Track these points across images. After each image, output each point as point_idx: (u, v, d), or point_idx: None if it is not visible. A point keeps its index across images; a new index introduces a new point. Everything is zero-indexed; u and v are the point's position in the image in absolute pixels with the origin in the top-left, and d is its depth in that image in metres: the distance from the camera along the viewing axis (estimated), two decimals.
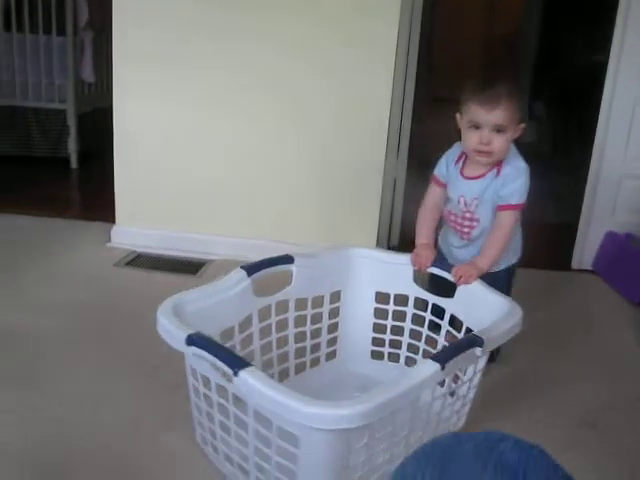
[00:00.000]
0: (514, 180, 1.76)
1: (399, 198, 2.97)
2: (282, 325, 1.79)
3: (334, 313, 1.90)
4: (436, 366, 1.32)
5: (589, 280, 2.81)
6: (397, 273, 1.85)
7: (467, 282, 1.69)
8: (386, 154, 2.67)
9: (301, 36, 2.55)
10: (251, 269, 1.69)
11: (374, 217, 2.74)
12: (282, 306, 1.78)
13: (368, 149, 2.66)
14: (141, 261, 2.71)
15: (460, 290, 1.72)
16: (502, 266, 1.87)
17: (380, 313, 1.89)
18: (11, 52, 3.81)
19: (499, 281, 1.81)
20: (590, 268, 2.87)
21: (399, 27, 2.52)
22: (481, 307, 1.65)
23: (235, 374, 1.24)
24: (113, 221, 2.83)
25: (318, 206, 2.74)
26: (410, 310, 1.83)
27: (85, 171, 4.00)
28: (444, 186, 1.90)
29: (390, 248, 2.91)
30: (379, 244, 2.78)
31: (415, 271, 1.83)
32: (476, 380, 1.61)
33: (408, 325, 1.85)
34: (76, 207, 3.54)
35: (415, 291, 1.82)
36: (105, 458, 1.53)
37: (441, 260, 1.86)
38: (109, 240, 2.83)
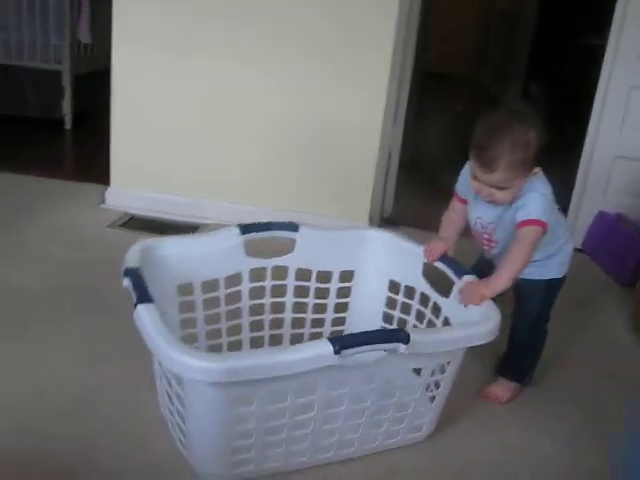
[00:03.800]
0: (528, 203, 1.60)
1: (393, 169, 2.98)
2: (279, 292, 1.77)
3: (343, 293, 1.84)
4: (328, 348, 1.23)
5: (579, 259, 2.83)
6: (410, 263, 1.73)
7: (477, 304, 1.52)
8: (382, 125, 2.68)
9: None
10: (246, 227, 1.68)
11: (368, 188, 2.74)
12: (280, 273, 1.76)
13: (365, 119, 2.64)
14: (135, 223, 2.69)
15: (455, 291, 1.61)
16: (535, 276, 1.73)
17: (390, 303, 1.80)
18: (7, 11, 3.75)
19: (535, 292, 1.73)
20: (580, 247, 2.90)
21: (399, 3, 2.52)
22: (471, 312, 1.52)
23: (134, 306, 1.30)
24: (107, 183, 2.81)
25: (315, 175, 2.72)
26: (415, 305, 1.72)
27: (79, 133, 3.94)
28: (464, 202, 1.75)
29: (382, 220, 2.93)
30: (372, 215, 2.80)
31: (425, 264, 1.72)
32: (444, 382, 1.50)
33: (412, 320, 1.75)
34: (70, 168, 3.51)
35: (422, 285, 1.71)
36: (94, 418, 1.54)
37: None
38: (103, 202, 2.80)
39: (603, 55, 2.75)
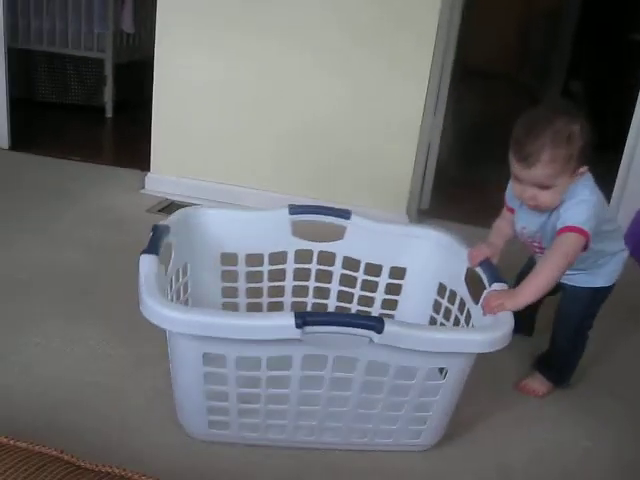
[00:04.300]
0: (570, 209, 1.49)
1: (432, 161, 2.89)
2: (324, 278, 1.77)
3: (393, 290, 1.79)
4: (290, 320, 1.20)
5: None
6: (457, 266, 1.64)
7: (493, 313, 1.40)
8: (423, 116, 2.62)
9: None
10: (296, 209, 1.69)
11: (406, 179, 2.69)
12: (326, 259, 1.75)
13: (406, 109, 2.59)
14: (173, 208, 2.70)
15: (482, 298, 1.49)
16: (581, 283, 1.64)
17: (436, 306, 1.71)
18: (53, 0, 3.84)
19: (579, 299, 1.65)
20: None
21: None
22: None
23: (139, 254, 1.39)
24: (148, 169, 2.88)
25: (353, 165, 2.69)
26: (454, 311, 1.62)
27: (120, 121, 4.05)
28: (512, 212, 1.67)
29: (420, 213, 2.93)
30: (409, 207, 2.79)
31: (467, 269, 1.63)
32: (442, 390, 1.38)
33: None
34: (110, 154, 3.60)
35: (462, 291, 1.60)
36: (133, 396, 1.55)
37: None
38: (143, 187, 2.87)
39: None
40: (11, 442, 0.94)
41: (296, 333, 1.21)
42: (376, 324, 1.23)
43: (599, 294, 1.67)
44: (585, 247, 1.48)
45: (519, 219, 1.63)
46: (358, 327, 1.24)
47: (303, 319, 1.21)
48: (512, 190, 1.56)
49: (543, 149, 1.42)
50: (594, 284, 1.65)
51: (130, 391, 1.56)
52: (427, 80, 2.58)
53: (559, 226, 1.49)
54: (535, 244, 1.64)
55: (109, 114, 4.07)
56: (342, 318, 1.30)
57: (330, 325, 1.24)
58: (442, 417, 1.43)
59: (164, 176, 2.86)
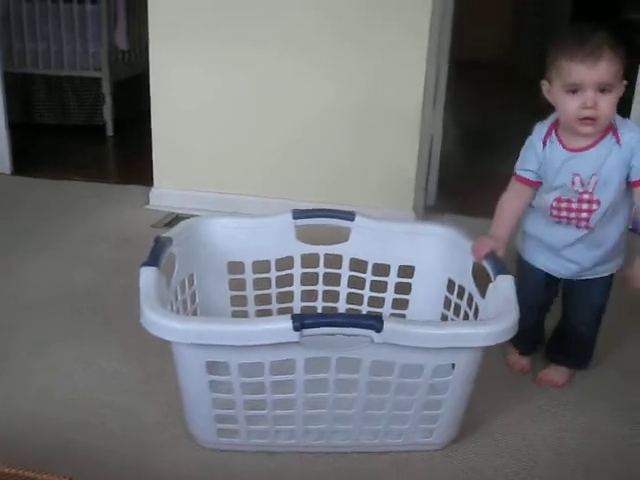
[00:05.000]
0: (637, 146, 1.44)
1: (435, 156, 2.86)
2: (333, 281, 1.75)
3: (402, 289, 1.76)
4: (287, 323, 1.20)
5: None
6: (465, 261, 1.60)
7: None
8: (422, 109, 2.57)
9: None
10: (300, 213, 1.69)
11: (410, 175, 2.65)
12: (334, 262, 1.74)
13: (404, 104, 2.56)
14: (179, 222, 2.72)
15: (491, 288, 1.45)
16: (604, 273, 1.59)
17: (446, 302, 1.68)
18: (46, 22, 3.85)
19: (601, 290, 1.61)
20: (629, 226, 2.80)
21: None
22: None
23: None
24: (151, 184, 2.87)
25: (356, 164, 2.67)
26: (464, 306, 1.59)
27: (121, 138, 4.01)
28: (533, 184, 1.57)
29: (426, 208, 2.90)
30: (415, 203, 2.76)
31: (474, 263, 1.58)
32: (452, 387, 1.35)
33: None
34: (114, 172, 3.57)
35: (470, 286, 1.57)
36: (145, 414, 1.55)
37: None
38: (147, 202, 2.86)
39: None
40: (19, 472, 0.92)
41: (294, 336, 1.21)
42: (375, 323, 1.22)
43: (613, 277, 1.63)
44: None
45: (566, 169, 1.49)
46: (356, 327, 1.23)
47: (300, 322, 1.20)
48: (563, 114, 1.47)
49: (604, 43, 1.40)
50: (614, 269, 1.60)
51: (143, 409, 1.56)
52: (424, 73, 2.55)
53: (633, 175, 1.45)
54: (585, 197, 1.49)
55: (110, 132, 4.06)
56: (339, 319, 1.30)
57: (328, 326, 1.23)
58: (454, 414, 1.41)
59: (168, 190, 2.85)
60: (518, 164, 1.59)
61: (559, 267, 1.61)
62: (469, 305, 1.56)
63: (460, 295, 1.61)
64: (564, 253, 1.58)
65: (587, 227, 1.53)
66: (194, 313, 1.62)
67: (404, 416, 1.38)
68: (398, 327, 1.24)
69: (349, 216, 1.71)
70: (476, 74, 5.22)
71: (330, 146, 2.71)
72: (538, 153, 1.53)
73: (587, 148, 1.48)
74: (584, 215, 1.51)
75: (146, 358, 1.72)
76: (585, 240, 1.55)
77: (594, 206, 1.50)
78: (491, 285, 1.45)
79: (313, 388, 1.32)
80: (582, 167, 1.48)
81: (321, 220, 1.70)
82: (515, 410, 1.60)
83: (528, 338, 1.70)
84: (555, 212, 1.54)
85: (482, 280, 1.52)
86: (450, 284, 1.67)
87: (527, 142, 1.57)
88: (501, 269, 1.46)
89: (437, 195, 2.96)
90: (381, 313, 1.74)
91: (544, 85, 1.50)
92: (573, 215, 1.52)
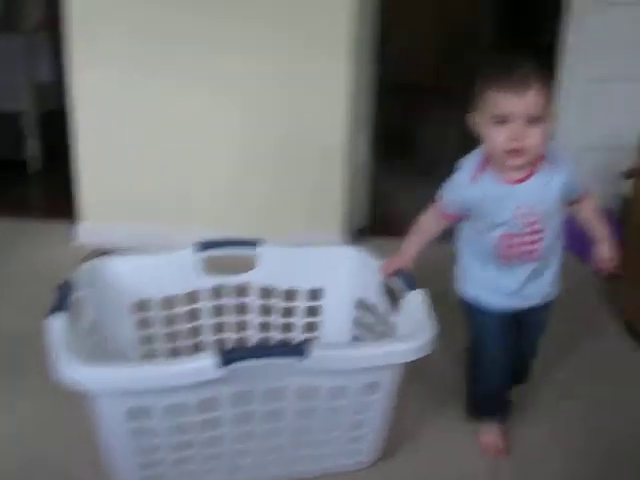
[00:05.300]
0: (573, 173, 1.48)
1: (364, 181, 2.94)
2: (243, 310, 1.75)
3: (312, 312, 1.78)
4: (211, 360, 1.18)
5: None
6: (374, 280, 1.63)
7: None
8: (347, 137, 2.63)
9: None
10: (204, 245, 1.67)
11: (336, 202, 2.71)
12: (242, 291, 1.73)
13: (327, 132, 2.62)
14: None
15: (404, 304, 1.49)
16: (552, 296, 1.59)
17: (357, 322, 1.71)
18: None
19: (549, 312, 1.61)
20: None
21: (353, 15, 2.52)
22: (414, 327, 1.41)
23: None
24: (78, 219, 2.81)
25: (283, 194, 2.71)
26: (378, 324, 1.61)
27: (46, 173, 3.86)
28: (453, 219, 1.53)
29: (356, 233, 2.87)
30: (344, 229, 2.74)
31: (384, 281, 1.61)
32: (375, 404, 1.39)
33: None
34: (39, 208, 3.45)
35: (381, 304, 1.60)
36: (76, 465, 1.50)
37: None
38: (75, 238, 2.80)
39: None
40: None
41: (219, 372, 1.19)
42: (299, 349, 1.23)
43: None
44: None
45: (507, 202, 1.44)
46: (281, 356, 1.24)
47: (224, 357, 1.19)
48: (490, 146, 1.41)
49: (531, 75, 1.36)
50: (555, 293, 1.59)
51: (72, 465, 1.50)
52: (345, 101, 2.58)
53: (574, 195, 1.50)
54: (534, 227, 1.46)
55: (34, 167, 3.88)
56: (264, 350, 1.30)
57: (252, 358, 1.22)
58: (379, 431, 1.44)
59: (96, 224, 2.77)
60: (442, 200, 1.52)
61: (522, 300, 1.55)
62: (384, 323, 1.58)
63: (373, 314, 1.64)
64: (523, 291, 1.53)
65: (540, 257, 1.50)
66: (104, 357, 1.54)
67: (333, 438, 1.40)
68: (322, 352, 1.26)
69: (253, 244, 1.71)
70: (409, 97, 5.29)
71: (255, 178, 2.71)
72: (464, 195, 1.46)
73: (527, 177, 1.44)
74: (535, 247, 1.47)
75: (75, 406, 1.61)
76: (539, 269, 1.52)
77: (542, 235, 1.47)
78: (403, 301, 1.49)
79: (241, 422, 1.31)
80: (525, 198, 1.44)
81: (225, 250, 1.69)
82: (443, 426, 1.62)
83: (503, 394, 1.65)
84: (503, 251, 1.48)
85: (395, 297, 1.56)
86: (361, 304, 1.69)
87: (452, 182, 1.49)
88: (411, 285, 1.50)
89: (367, 219, 2.99)
90: (295, 338, 1.76)
91: (471, 117, 1.44)
92: (524, 249, 1.47)
